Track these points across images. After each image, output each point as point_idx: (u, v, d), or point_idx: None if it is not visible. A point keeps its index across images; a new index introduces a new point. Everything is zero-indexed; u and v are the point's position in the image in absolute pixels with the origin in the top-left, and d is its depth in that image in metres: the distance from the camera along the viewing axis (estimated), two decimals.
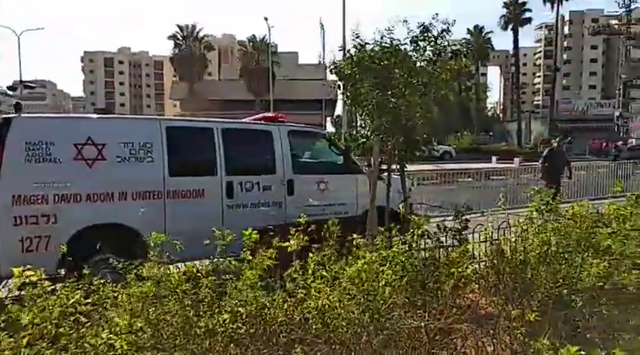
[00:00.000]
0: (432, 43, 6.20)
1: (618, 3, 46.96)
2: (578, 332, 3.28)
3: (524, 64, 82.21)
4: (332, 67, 6.45)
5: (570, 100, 61.96)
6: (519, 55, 58.43)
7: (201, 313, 2.65)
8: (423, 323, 2.58)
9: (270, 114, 7.66)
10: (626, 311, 3.37)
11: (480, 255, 4.38)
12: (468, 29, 60.56)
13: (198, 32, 60.32)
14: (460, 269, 3.97)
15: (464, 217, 4.73)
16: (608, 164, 18.38)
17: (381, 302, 2.63)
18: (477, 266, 4.16)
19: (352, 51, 6.31)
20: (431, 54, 6.21)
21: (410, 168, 17.43)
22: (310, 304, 2.53)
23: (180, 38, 59.63)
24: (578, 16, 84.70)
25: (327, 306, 2.50)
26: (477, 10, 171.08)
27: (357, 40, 6.31)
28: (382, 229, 4.07)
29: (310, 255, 3.02)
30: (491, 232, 4.65)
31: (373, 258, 2.81)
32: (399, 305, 2.87)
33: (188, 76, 56.64)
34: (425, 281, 3.20)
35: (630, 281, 3.46)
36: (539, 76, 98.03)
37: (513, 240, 4.18)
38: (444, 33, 6.19)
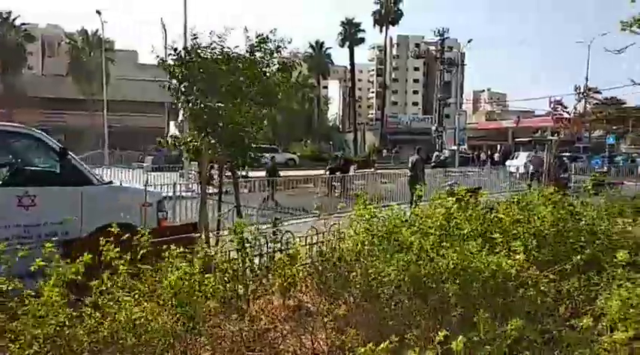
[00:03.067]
0: (269, 55, 6.50)
1: (434, 32, 54.11)
2: (385, 321, 3.67)
3: (360, 80, 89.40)
4: (161, 63, 6.33)
5: (397, 115, 69.64)
6: (355, 72, 63.46)
7: None
8: (239, 327, 2.63)
9: None
10: (423, 300, 3.88)
11: (307, 256, 4.64)
12: (310, 44, 63.94)
13: (14, 19, 52.65)
14: (288, 272, 4.17)
15: (279, 223, 4.97)
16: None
17: (200, 310, 2.61)
18: (302, 267, 4.39)
19: (182, 53, 6.26)
20: (262, 63, 6.48)
21: (252, 174, 17.40)
22: (121, 317, 2.38)
23: None
24: (403, 40, 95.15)
25: (140, 319, 2.39)
26: (325, 25, 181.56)
27: (193, 41, 6.31)
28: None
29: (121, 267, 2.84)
30: (318, 235, 4.97)
31: (190, 268, 2.75)
32: (221, 311, 2.88)
33: (1, 68, 49.07)
34: (247, 286, 3.27)
35: (427, 273, 3.99)
36: (372, 92, 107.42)
37: (333, 241, 4.52)
38: (280, 48, 6.57)
